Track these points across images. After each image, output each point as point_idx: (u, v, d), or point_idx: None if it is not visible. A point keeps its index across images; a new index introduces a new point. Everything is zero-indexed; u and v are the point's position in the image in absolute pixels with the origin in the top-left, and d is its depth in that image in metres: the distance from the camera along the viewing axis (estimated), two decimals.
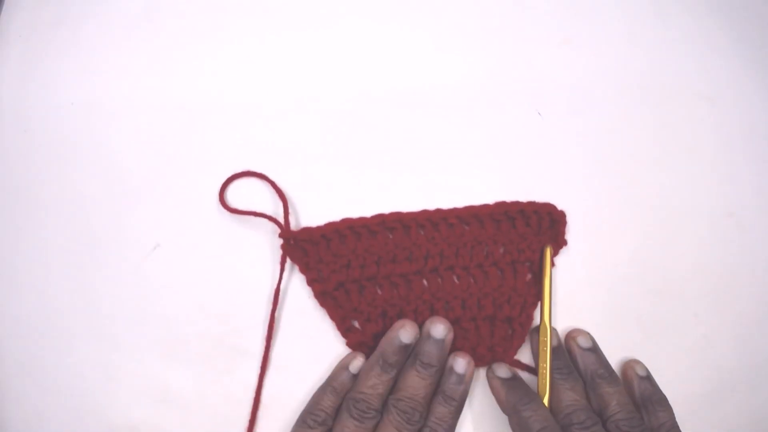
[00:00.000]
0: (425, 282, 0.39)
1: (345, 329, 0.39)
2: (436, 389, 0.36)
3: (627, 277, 0.41)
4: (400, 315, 0.38)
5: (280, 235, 0.39)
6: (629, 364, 0.38)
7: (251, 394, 0.38)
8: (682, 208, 0.42)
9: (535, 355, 0.38)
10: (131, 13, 0.46)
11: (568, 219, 0.41)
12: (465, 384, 0.36)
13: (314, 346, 0.39)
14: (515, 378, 0.37)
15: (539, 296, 0.39)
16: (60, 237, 0.41)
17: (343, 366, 0.37)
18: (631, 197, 0.42)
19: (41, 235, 0.41)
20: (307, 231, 0.39)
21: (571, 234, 0.41)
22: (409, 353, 0.37)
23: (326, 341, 0.39)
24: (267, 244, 0.41)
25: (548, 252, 0.39)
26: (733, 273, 0.42)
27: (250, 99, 0.44)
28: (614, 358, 0.39)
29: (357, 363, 0.37)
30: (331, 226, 0.39)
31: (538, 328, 0.38)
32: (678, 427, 0.36)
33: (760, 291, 0.41)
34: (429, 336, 0.37)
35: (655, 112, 0.44)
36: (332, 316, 0.39)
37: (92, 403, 0.38)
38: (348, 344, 0.39)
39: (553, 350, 0.37)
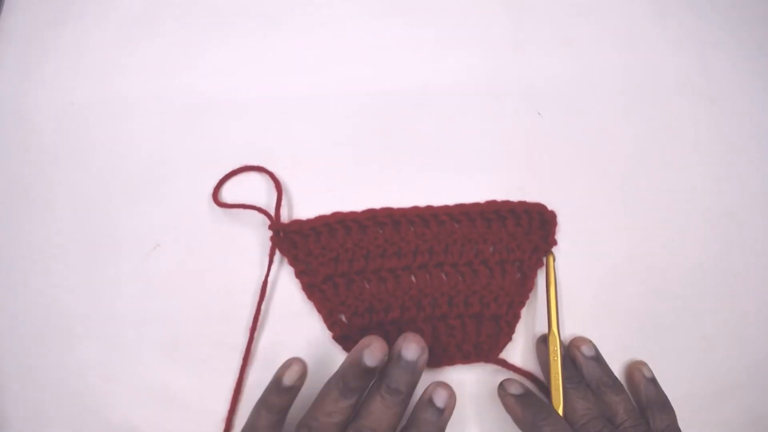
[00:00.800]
0: (413, 278, 0.39)
1: (331, 323, 0.39)
2: (403, 418, 0.32)
3: (628, 277, 0.41)
4: (387, 310, 0.39)
5: (270, 227, 0.39)
6: (636, 366, 0.38)
7: (251, 393, 0.38)
8: (681, 208, 0.42)
9: (543, 365, 0.38)
10: (131, 13, 0.46)
11: (571, 218, 0.41)
12: (444, 420, 0.32)
13: (301, 340, 0.39)
14: (528, 393, 0.36)
15: (527, 295, 0.39)
16: (60, 237, 0.41)
17: (276, 380, 0.32)
18: (631, 197, 0.42)
19: (41, 235, 0.41)
20: (296, 223, 0.39)
21: (572, 234, 0.41)
22: (375, 376, 0.32)
23: (313, 335, 0.39)
24: (263, 239, 0.41)
25: (551, 259, 0.39)
26: (733, 273, 0.42)
27: (248, 98, 0.44)
28: (614, 358, 0.39)
29: (291, 374, 0.32)
30: (321, 219, 0.39)
31: (545, 338, 0.38)
32: (679, 429, 0.36)
33: (760, 291, 0.41)
34: (399, 357, 0.32)
35: (654, 112, 0.44)
36: (319, 310, 0.39)
37: (92, 403, 0.38)
38: (334, 338, 0.39)
39: (562, 360, 0.36)
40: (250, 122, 0.43)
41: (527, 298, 0.39)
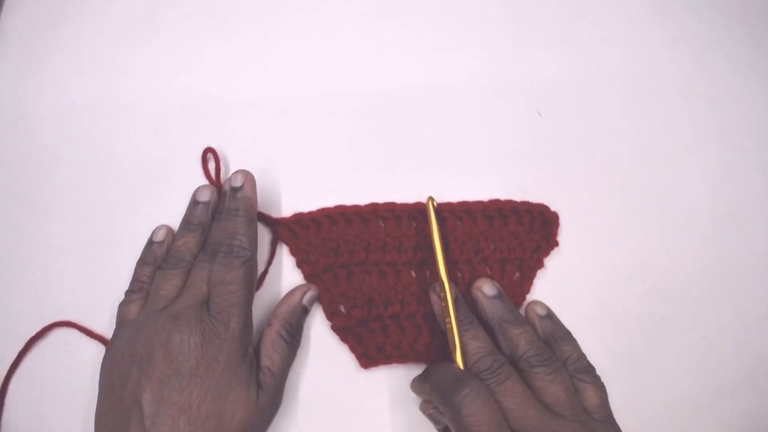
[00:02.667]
0: (413, 273, 0.39)
1: (331, 313, 0.39)
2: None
3: (628, 277, 0.41)
4: (387, 303, 0.39)
5: (270, 220, 0.39)
6: (529, 306, 0.38)
7: None
8: (681, 208, 0.42)
9: (438, 312, 0.37)
10: (131, 13, 0.46)
11: (570, 219, 0.41)
12: (244, 193, 0.37)
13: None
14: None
15: (524, 296, 0.39)
16: (60, 237, 0.41)
17: (149, 241, 0.39)
18: (631, 197, 0.42)
19: (41, 235, 0.41)
20: (297, 215, 0.40)
21: (573, 234, 0.41)
22: (214, 213, 0.38)
23: (313, 324, 0.39)
24: (263, 236, 0.40)
25: (430, 204, 0.38)
26: (733, 273, 0.42)
27: (249, 98, 0.44)
28: (615, 358, 0.39)
29: (161, 232, 0.39)
30: (322, 212, 0.40)
31: (434, 287, 0.37)
32: (585, 356, 0.36)
33: (760, 291, 0.41)
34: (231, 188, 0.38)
35: (654, 112, 0.44)
36: (319, 300, 0.39)
37: (92, 402, 0.38)
38: (333, 327, 0.39)
39: (453, 304, 0.36)
40: (250, 122, 0.43)
41: (524, 299, 0.40)
